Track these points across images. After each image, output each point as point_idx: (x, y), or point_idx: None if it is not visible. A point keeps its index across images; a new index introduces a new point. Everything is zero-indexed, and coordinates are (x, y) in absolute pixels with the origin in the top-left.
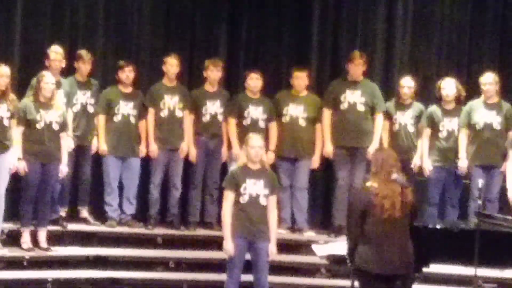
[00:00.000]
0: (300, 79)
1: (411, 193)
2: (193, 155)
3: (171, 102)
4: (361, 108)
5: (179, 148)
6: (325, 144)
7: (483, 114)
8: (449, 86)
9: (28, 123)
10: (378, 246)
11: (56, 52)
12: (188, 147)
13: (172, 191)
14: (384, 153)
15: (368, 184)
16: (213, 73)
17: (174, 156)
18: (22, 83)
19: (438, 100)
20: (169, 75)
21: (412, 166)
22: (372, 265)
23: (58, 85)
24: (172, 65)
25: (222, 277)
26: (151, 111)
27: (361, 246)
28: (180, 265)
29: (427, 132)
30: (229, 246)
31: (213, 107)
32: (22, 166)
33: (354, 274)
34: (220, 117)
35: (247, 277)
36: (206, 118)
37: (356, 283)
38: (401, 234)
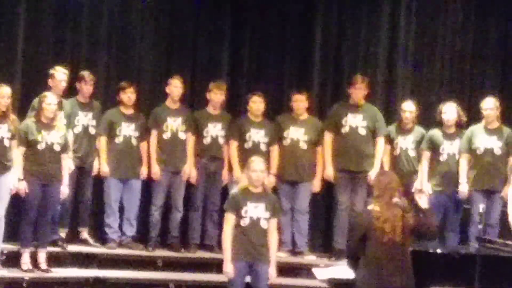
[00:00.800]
0: (300, 102)
1: (413, 217)
2: (194, 177)
3: (174, 124)
4: (362, 132)
5: (181, 170)
6: (326, 168)
7: (483, 139)
8: (450, 110)
9: (29, 144)
10: (378, 269)
11: (63, 73)
12: (190, 169)
13: (174, 213)
14: (387, 177)
15: (370, 207)
16: (217, 96)
17: (176, 178)
18: (23, 103)
19: (439, 124)
20: (172, 96)
21: (413, 190)
22: None
23: (60, 106)
24: (176, 86)
25: None
26: (154, 133)
27: (362, 269)
28: (181, 287)
29: (426, 155)
30: (229, 268)
31: (214, 130)
32: (22, 187)
33: None
34: (221, 140)
35: None
36: (207, 140)
37: None
38: (401, 258)
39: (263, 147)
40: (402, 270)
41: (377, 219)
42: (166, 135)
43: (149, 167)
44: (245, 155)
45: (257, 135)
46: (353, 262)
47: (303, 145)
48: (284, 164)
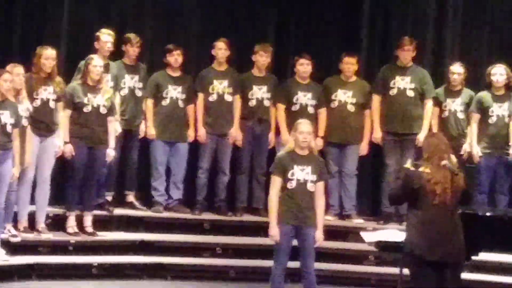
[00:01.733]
0: (350, 64)
1: (463, 179)
2: (240, 140)
3: (220, 87)
4: (410, 94)
5: (227, 133)
6: (374, 130)
7: None
8: (499, 72)
9: (75, 107)
10: (429, 232)
11: (109, 34)
12: (236, 132)
13: (221, 176)
14: (437, 139)
15: (421, 169)
16: (262, 58)
17: (222, 141)
18: (69, 66)
19: (488, 86)
20: (218, 59)
21: (462, 153)
22: (423, 251)
23: (107, 68)
24: (221, 48)
25: (269, 263)
26: (200, 96)
27: (411, 231)
28: (227, 251)
29: (476, 117)
30: (274, 232)
31: (259, 92)
32: (68, 150)
33: (404, 260)
34: (266, 102)
35: (294, 264)
36: (252, 103)
37: (405, 270)
38: (452, 221)
39: (310, 110)
40: (453, 232)
41: (428, 181)
42: (212, 98)
43: (195, 130)
44: (292, 117)
45: (304, 98)
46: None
47: (351, 108)
48: (332, 126)
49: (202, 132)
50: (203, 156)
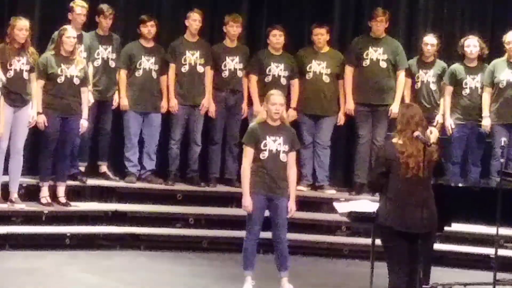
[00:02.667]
0: (320, 35)
1: (436, 151)
2: (212, 111)
3: (192, 58)
4: (383, 65)
5: (199, 104)
6: (347, 102)
7: (506, 72)
8: (472, 44)
9: (48, 77)
10: (401, 203)
11: (82, 6)
12: (209, 103)
13: (193, 147)
14: (411, 110)
15: (394, 140)
16: (233, 28)
17: (194, 112)
18: (42, 37)
19: (461, 58)
20: (191, 30)
21: (434, 124)
22: (394, 222)
23: (80, 39)
24: (194, 19)
25: (242, 233)
26: (172, 67)
27: (384, 203)
28: (200, 221)
29: (449, 90)
30: (247, 202)
31: (232, 63)
32: (41, 120)
33: (376, 231)
34: (239, 73)
35: (267, 234)
36: (225, 74)
37: (377, 241)
38: (424, 192)
39: (283, 81)
40: (425, 204)
41: (402, 154)
42: (185, 69)
43: (168, 101)
44: (265, 88)
45: (277, 69)
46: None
47: (326, 79)
48: (307, 97)
49: (174, 102)
50: (175, 127)
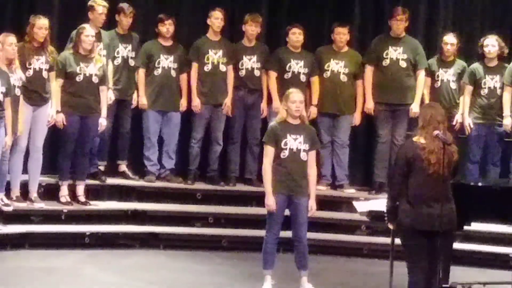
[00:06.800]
0: (342, 34)
1: (456, 150)
2: (231, 110)
3: (215, 57)
4: (403, 64)
5: (222, 103)
6: (366, 101)
7: None
8: (491, 43)
9: (67, 76)
10: (421, 202)
11: (104, 6)
12: (231, 102)
13: (214, 146)
14: (433, 109)
15: (415, 138)
16: (251, 28)
17: (217, 111)
18: (62, 35)
19: (481, 57)
20: (214, 28)
21: (453, 123)
22: (414, 221)
23: (99, 37)
24: (217, 18)
25: (261, 233)
26: (195, 66)
27: (404, 201)
28: (219, 220)
29: (469, 89)
30: (271, 201)
31: (249, 62)
32: (60, 119)
33: (396, 229)
34: (256, 72)
35: (287, 233)
36: (242, 73)
37: (397, 240)
38: (444, 191)
39: (302, 78)
40: (445, 202)
41: (423, 150)
42: (207, 68)
43: (189, 100)
44: (284, 86)
45: (296, 66)
46: (394, 196)
47: (344, 78)
48: (324, 96)
49: (197, 102)
50: (197, 126)
